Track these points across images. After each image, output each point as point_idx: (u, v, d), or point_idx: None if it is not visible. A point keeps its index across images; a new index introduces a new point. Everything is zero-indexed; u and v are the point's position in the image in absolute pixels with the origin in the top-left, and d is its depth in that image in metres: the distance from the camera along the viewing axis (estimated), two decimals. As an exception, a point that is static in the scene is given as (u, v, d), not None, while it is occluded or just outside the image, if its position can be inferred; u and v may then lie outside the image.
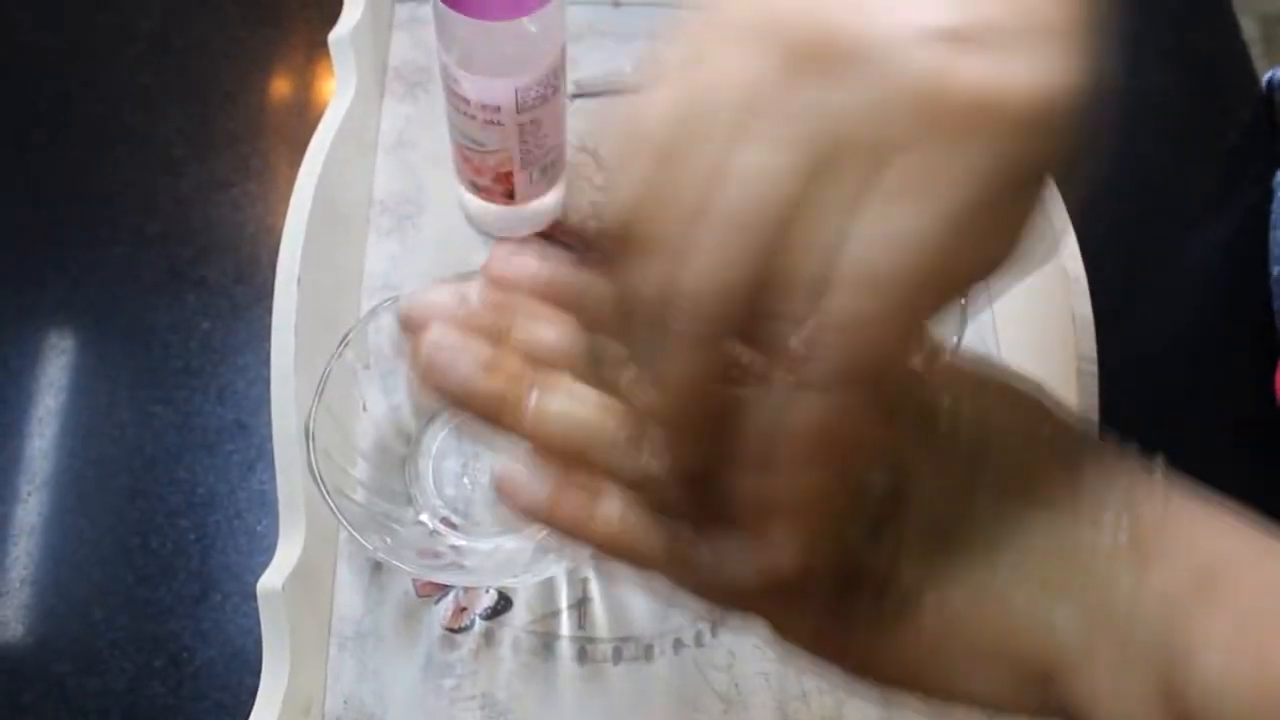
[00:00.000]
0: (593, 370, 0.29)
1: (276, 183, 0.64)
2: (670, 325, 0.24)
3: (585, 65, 0.66)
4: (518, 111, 0.53)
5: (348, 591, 0.52)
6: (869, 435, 0.25)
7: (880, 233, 0.22)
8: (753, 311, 0.24)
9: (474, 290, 0.30)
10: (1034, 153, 0.23)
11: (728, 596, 0.30)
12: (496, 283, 0.31)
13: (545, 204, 0.60)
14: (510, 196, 0.58)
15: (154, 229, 0.62)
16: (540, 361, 0.29)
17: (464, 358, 0.29)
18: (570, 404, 0.29)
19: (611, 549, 0.29)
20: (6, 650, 0.52)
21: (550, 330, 0.30)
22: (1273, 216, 0.63)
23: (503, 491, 0.30)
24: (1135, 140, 0.66)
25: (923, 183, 0.22)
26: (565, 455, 0.29)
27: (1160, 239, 0.65)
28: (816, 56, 0.23)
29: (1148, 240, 0.64)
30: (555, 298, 0.30)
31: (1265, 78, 0.68)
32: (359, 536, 0.46)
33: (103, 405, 0.57)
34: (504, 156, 0.55)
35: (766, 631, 0.30)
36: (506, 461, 0.30)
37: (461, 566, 0.47)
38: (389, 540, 0.48)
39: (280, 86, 0.68)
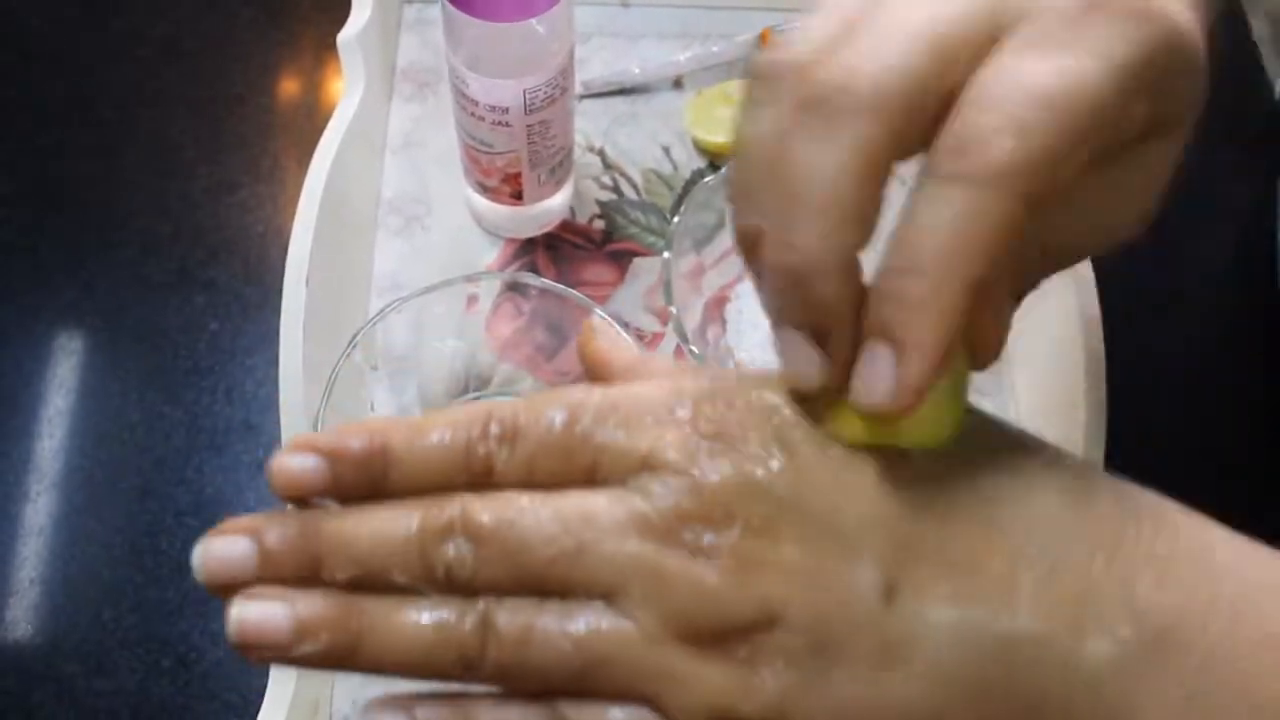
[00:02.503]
0: (423, 560, 0.27)
1: (286, 184, 0.64)
2: (845, 106, 0.25)
3: (593, 65, 0.66)
4: (526, 113, 0.53)
5: (356, 592, 0.52)
6: (1011, 250, 0.25)
7: (1055, 67, 0.25)
8: (922, 110, 0.25)
9: (266, 523, 0.27)
10: (1175, 56, 0.26)
11: None
12: (285, 491, 0.28)
13: (553, 205, 0.60)
14: (518, 197, 0.58)
15: (164, 230, 0.63)
16: (361, 576, 0.27)
17: (277, 626, 0.26)
18: (401, 632, 0.27)
19: None
20: (16, 650, 0.52)
21: (362, 534, 0.27)
22: None
23: None
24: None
25: (1093, 42, 0.25)
26: (414, 675, 0.28)
27: (1167, 237, 0.65)
28: None
29: (1154, 239, 0.64)
30: (355, 481, 0.28)
31: None
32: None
33: (112, 406, 0.58)
34: (512, 157, 0.55)
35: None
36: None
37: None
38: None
39: (289, 88, 0.68)
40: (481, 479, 0.28)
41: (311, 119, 0.66)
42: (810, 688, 0.26)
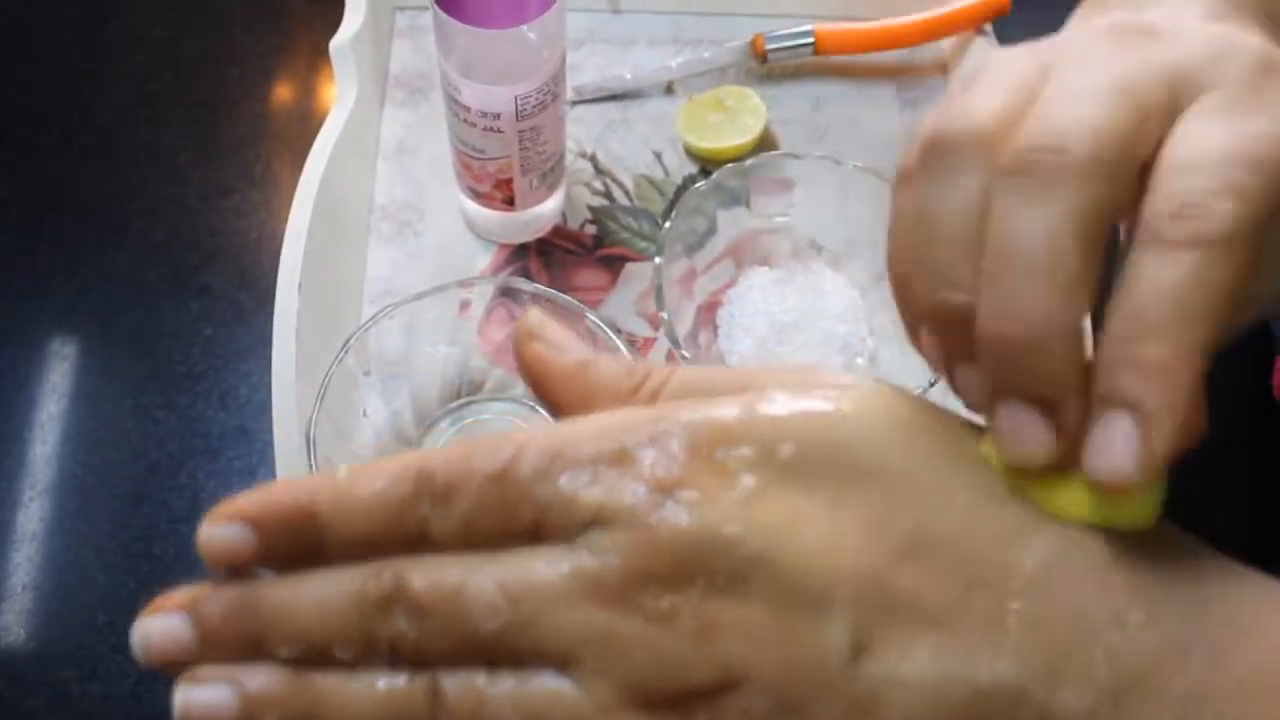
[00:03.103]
0: (364, 634, 0.26)
1: (279, 189, 0.64)
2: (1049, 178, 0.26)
3: (585, 71, 0.66)
4: (518, 119, 0.53)
5: (349, 596, 0.52)
6: (1230, 302, 0.25)
7: (1255, 131, 0.26)
8: (1131, 170, 0.26)
9: (203, 599, 0.27)
10: None
11: None
12: (218, 563, 0.27)
13: (545, 210, 0.60)
14: (510, 203, 0.58)
15: (159, 236, 0.63)
16: (304, 652, 0.26)
17: (225, 708, 0.26)
18: (352, 707, 0.26)
19: None
20: (9, 656, 0.52)
21: (301, 608, 0.26)
22: None
23: None
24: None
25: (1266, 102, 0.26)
26: None
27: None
28: (1139, 30, 0.28)
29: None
30: (287, 547, 0.27)
31: None
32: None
33: (106, 411, 0.58)
34: (504, 163, 0.55)
35: None
36: None
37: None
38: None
39: (284, 94, 0.68)
40: (418, 542, 0.26)
41: (305, 124, 0.66)
42: None
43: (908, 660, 0.25)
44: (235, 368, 0.59)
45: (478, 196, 0.58)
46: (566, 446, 0.26)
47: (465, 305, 0.53)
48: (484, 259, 0.61)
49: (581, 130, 0.65)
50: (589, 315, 0.51)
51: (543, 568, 0.25)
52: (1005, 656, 0.25)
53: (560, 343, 0.30)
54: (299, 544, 0.26)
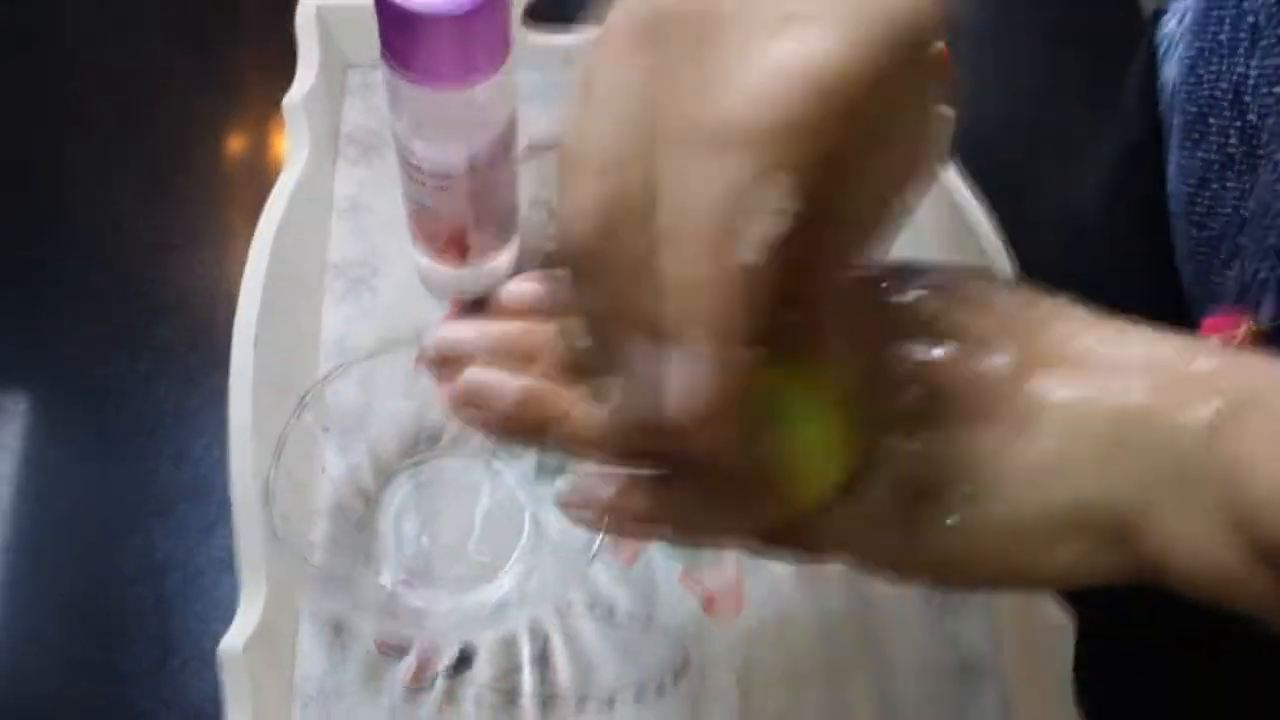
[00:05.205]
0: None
1: (230, 246, 0.64)
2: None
3: (539, 123, 0.67)
4: (470, 175, 0.54)
5: (310, 651, 0.52)
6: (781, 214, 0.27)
7: None
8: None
9: (489, 324, 0.36)
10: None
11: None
12: (506, 312, 0.37)
13: (500, 264, 0.61)
14: (465, 257, 0.58)
15: (109, 292, 0.62)
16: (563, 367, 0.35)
17: (500, 392, 0.35)
18: (594, 411, 0.34)
19: (677, 526, 0.35)
20: (-38, 722, 0.51)
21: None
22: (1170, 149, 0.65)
23: (570, 507, 0.35)
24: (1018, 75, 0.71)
25: None
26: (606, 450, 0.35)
27: (1060, 158, 0.68)
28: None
29: (1029, 178, 0.68)
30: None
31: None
32: (319, 598, 0.46)
33: (58, 470, 0.57)
34: (458, 219, 0.56)
35: (847, 559, 0.35)
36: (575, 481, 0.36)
37: (421, 625, 0.48)
38: (349, 601, 0.48)
39: (235, 150, 0.68)
40: None
41: (257, 180, 0.66)
42: (971, 441, 0.33)
43: (1057, 386, 0.33)
44: (188, 424, 0.59)
45: (432, 252, 0.59)
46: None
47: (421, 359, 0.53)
48: (439, 313, 0.61)
49: (535, 181, 0.65)
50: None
51: None
52: (1136, 388, 0.32)
53: None
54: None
